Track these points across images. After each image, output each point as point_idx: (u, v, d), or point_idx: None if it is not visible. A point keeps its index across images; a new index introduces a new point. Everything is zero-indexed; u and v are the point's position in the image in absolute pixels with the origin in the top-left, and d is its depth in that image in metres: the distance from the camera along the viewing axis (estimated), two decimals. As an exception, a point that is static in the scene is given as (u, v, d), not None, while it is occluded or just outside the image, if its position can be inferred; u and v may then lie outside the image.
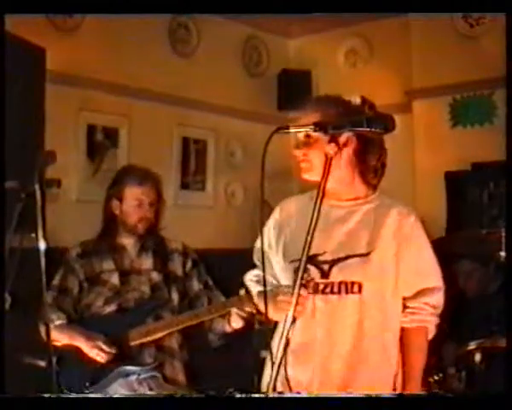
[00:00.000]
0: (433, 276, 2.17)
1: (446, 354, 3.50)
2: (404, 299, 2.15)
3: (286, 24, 5.48)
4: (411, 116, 5.00)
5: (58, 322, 2.82)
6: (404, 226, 2.11)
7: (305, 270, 2.06)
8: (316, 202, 1.81)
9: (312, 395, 2.00)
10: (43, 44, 3.46)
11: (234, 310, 2.72)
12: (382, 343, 2.12)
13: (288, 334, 1.80)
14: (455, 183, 4.68)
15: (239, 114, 5.40)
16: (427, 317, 2.14)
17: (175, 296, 2.95)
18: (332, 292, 2.07)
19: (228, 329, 2.85)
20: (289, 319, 1.80)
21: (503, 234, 3.14)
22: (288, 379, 2.07)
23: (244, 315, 2.75)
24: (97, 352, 2.78)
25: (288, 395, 2.02)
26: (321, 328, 2.08)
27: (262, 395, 1.71)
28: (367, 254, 2.07)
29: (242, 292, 2.70)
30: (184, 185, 5.11)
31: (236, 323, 2.78)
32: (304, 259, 1.80)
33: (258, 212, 1.97)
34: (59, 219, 3.45)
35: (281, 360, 1.77)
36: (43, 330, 2.83)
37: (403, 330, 2.16)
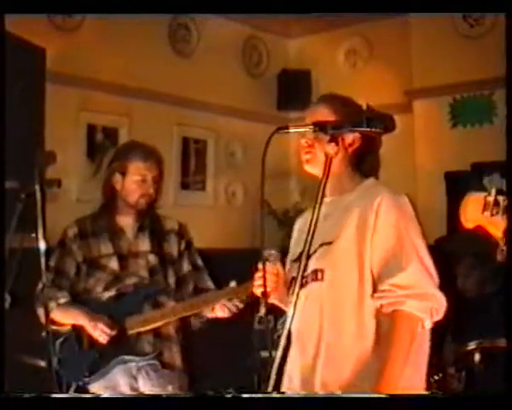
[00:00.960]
0: (399, 257, 2.02)
1: (446, 354, 3.50)
2: (376, 283, 2.03)
3: (286, 24, 5.49)
4: (411, 116, 5.01)
5: (63, 300, 2.81)
6: (368, 212, 2.05)
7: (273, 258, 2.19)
8: (316, 201, 1.82)
9: (313, 395, 2.00)
10: (44, 44, 3.47)
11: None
12: (352, 330, 2.05)
13: (287, 332, 1.80)
14: (455, 183, 4.69)
15: (239, 114, 5.41)
16: (397, 299, 1.98)
17: (171, 280, 2.96)
18: (306, 282, 2.07)
19: (210, 315, 2.88)
20: (289, 319, 1.81)
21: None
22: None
23: (233, 309, 2.78)
24: (100, 333, 2.77)
25: (288, 395, 2.03)
26: (300, 317, 2.04)
27: (262, 395, 1.71)
28: (331, 243, 2.06)
29: (233, 284, 2.79)
30: (184, 185, 5.12)
31: (220, 312, 2.82)
32: (304, 256, 1.82)
33: (258, 212, 1.98)
34: (59, 219, 3.44)
35: (281, 359, 1.78)
36: (41, 313, 2.80)
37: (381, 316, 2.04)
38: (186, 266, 3.01)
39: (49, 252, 2.45)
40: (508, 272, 2.22)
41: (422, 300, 1.99)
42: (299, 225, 2.33)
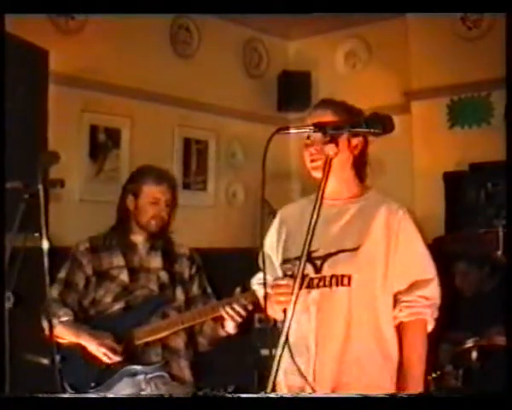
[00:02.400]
0: (425, 268, 2.20)
1: (444, 352, 3.53)
2: (398, 293, 2.18)
3: (286, 26, 5.51)
4: (410, 117, 5.03)
5: (65, 318, 2.83)
6: (392, 222, 2.15)
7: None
8: (316, 202, 1.83)
9: (312, 396, 2.02)
10: (47, 46, 3.49)
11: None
12: (374, 334, 2.16)
13: (287, 332, 1.81)
14: (453, 183, 4.71)
15: (240, 115, 5.43)
16: (422, 309, 2.16)
17: (181, 296, 2.98)
18: (324, 285, 2.14)
19: (221, 333, 2.89)
20: (288, 317, 1.81)
21: (501, 233, 3.18)
22: (298, 368, 2.13)
23: (238, 320, 2.79)
24: (105, 352, 2.79)
25: (287, 395, 2.05)
26: (315, 320, 2.13)
27: (262, 395, 1.73)
28: (356, 249, 2.12)
29: (238, 290, 2.82)
30: (186, 185, 5.14)
31: (230, 326, 2.84)
32: (304, 256, 1.84)
33: (258, 212, 2.01)
34: (62, 218, 3.48)
35: (280, 358, 1.79)
36: (46, 325, 2.81)
37: (400, 324, 2.19)
38: (196, 289, 3.06)
39: (52, 251, 2.47)
40: (507, 271, 2.26)
41: (435, 310, 2.18)
42: (280, 221, 2.34)
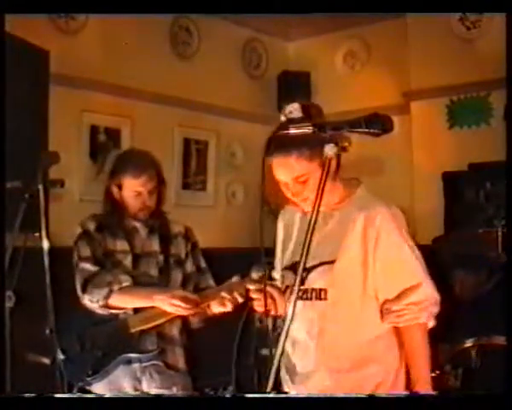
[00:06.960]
0: (410, 274, 2.12)
1: (443, 352, 3.54)
2: (386, 302, 2.12)
3: (286, 26, 5.53)
4: (409, 117, 5.05)
5: (125, 284, 2.80)
6: (370, 232, 2.09)
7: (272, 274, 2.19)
8: (313, 209, 1.77)
9: (311, 396, 2.02)
10: (47, 47, 3.50)
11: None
12: (354, 348, 2.12)
13: (286, 335, 1.78)
14: (452, 183, 4.72)
15: (239, 115, 5.45)
16: (415, 315, 2.10)
17: (179, 280, 2.97)
18: (306, 298, 2.12)
19: (208, 312, 2.88)
20: (288, 320, 1.79)
21: (500, 233, 3.19)
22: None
23: (231, 301, 2.81)
24: (178, 304, 2.74)
25: (287, 395, 2.05)
26: (296, 333, 2.11)
27: (262, 395, 1.74)
28: (332, 262, 2.08)
29: (235, 278, 2.80)
30: (186, 185, 5.16)
31: (216, 307, 2.82)
32: (302, 264, 1.79)
33: (258, 211, 2.01)
34: (62, 218, 3.48)
35: (280, 358, 1.78)
36: (96, 299, 2.78)
37: (398, 330, 2.15)
38: (190, 267, 3.04)
39: (52, 251, 2.47)
40: (507, 271, 2.25)
41: (432, 308, 2.12)
42: (285, 224, 2.32)
